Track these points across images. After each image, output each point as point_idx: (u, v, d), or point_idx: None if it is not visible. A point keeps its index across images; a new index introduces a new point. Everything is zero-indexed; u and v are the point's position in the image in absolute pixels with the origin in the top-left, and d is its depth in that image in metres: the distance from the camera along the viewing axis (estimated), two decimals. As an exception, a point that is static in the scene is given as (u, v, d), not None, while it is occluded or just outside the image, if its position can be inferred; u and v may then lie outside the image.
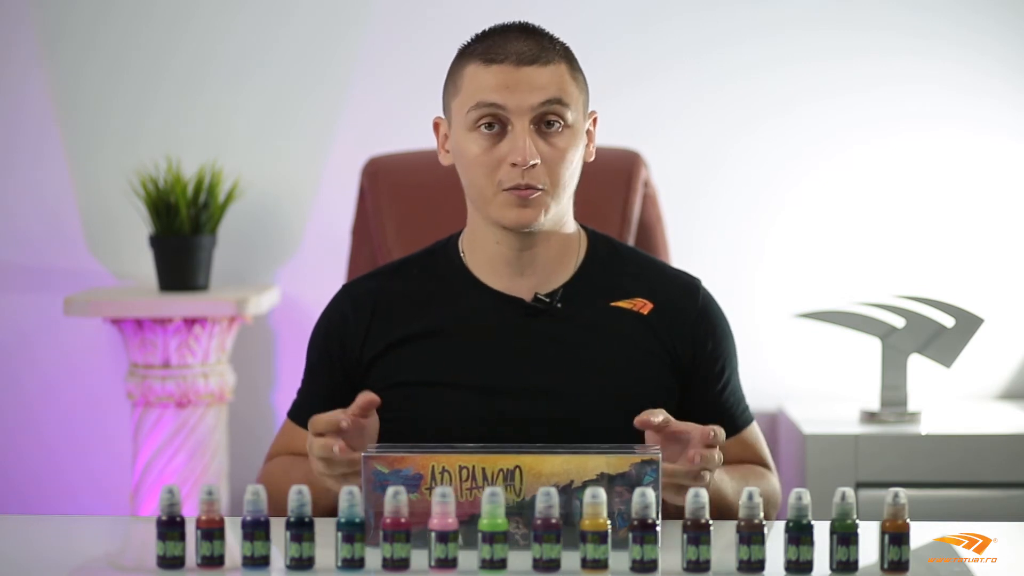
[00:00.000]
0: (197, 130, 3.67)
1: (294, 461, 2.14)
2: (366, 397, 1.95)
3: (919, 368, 3.51)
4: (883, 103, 3.62)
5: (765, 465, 2.20)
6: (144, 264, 3.65)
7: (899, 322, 3.36)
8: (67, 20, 3.67)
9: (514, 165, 2.04)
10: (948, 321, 3.34)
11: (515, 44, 2.06)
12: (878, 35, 3.62)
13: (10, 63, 3.67)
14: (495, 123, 2.05)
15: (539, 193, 2.06)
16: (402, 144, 3.20)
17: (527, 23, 2.11)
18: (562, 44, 2.11)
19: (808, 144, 3.64)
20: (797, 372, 3.66)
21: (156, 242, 3.48)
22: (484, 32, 2.11)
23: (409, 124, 3.55)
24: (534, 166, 2.04)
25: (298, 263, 3.69)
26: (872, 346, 3.53)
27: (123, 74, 3.68)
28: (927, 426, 3.33)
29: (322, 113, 3.67)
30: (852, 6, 3.62)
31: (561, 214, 2.12)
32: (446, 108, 2.13)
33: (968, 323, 3.33)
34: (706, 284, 2.24)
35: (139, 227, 3.63)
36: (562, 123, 2.06)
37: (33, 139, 3.68)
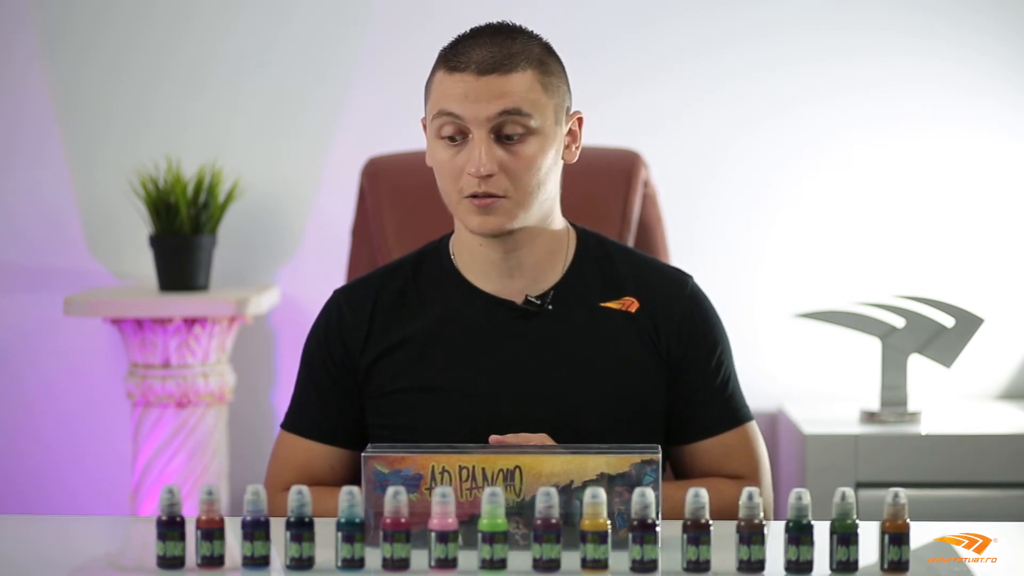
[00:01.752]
0: (197, 130, 3.67)
1: (319, 495, 2.00)
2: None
3: (919, 368, 3.51)
4: (883, 103, 3.62)
5: (751, 471, 2.15)
6: (144, 264, 3.65)
7: (899, 322, 3.36)
8: (67, 20, 3.67)
9: (471, 174, 2.04)
10: (948, 321, 3.34)
11: (479, 51, 2.05)
12: (878, 35, 3.62)
13: (10, 63, 3.67)
14: (456, 132, 2.05)
15: (500, 200, 2.05)
16: (402, 144, 3.21)
17: (504, 24, 2.09)
18: (539, 46, 2.08)
19: (808, 144, 3.64)
20: (797, 372, 3.66)
21: (156, 242, 3.48)
22: (458, 36, 2.09)
23: (409, 124, 3.51)
24: (490, 176, 2.04)
25: (298, 263, 3.69)
26: (872, 346, 3.53)
27: (123, 74, 3.68)
28: (927, 426, 3.33)
29: (322, 113, 3.67)
30: (852, 6, 3.62)
31: (543, 215, 2.11)
32: (425, 112, 2.14)
33: (968, 323, 3.33)
34: (706, 284, 2.24)
35: (139, 227, 3.63)
36: (525, 131, 2.05)
37: (33, 139, 3.68)
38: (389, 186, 2.88)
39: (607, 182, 2.82)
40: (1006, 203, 3.63)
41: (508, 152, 2.04)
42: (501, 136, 2.05)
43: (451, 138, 2.06)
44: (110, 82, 3.68)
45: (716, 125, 3.64)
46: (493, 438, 2.00)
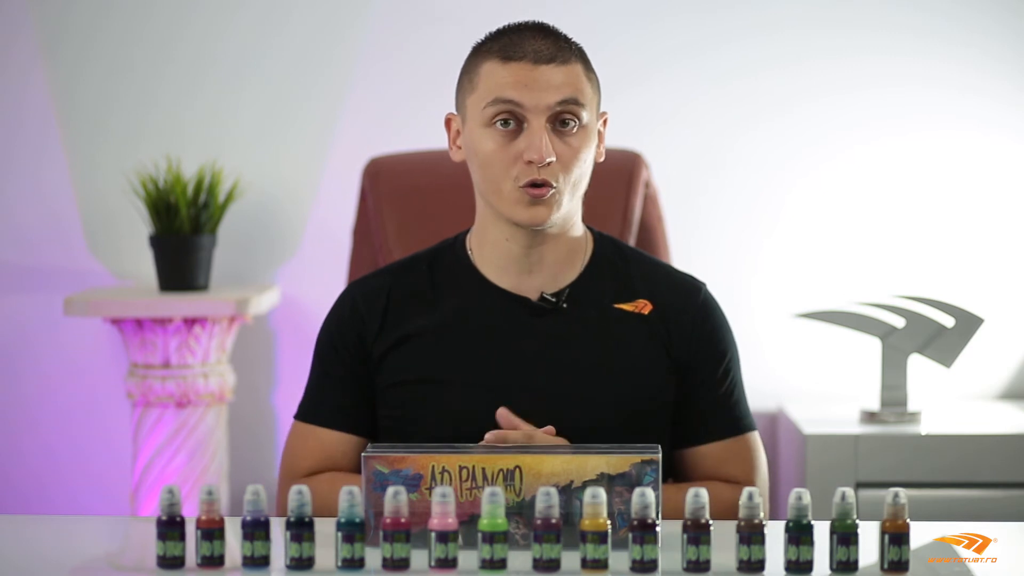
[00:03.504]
0: (197, 130, 3.67)
1: (341, 479, 2.09)
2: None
3: (919, 368, 3.51)
4: (883, 103, 3.62)
5: (748, 478, 2.15)
6: (144, 264, 3.65)
7: (899, 322, 3.36)
8: (67, 20, 3.67)
9: (530, 162, 2.05)
10: (948, 321, 3.34)
11: (532, 43, 2.07)
12: (878, 35, 3.62)
13: (10, 63, 3.67)
14: (511, 120, 2.06)
15: (552, 191, 2.06)
16: (402, 145, 3.20)
17: (543, 23, 2.12)
18: (577, 44, 2.12)
19: (808, 144, 3.64)
20: (797, 372, 3.66)
21: (156, 242, 3.48)
22: (500, 30, 2.12)
23: (409, 124, 3.55)
24: (550, 163, 2.05)
25: (298, 263, 3.69)
26: (872, 346, 3.53)
27: (123, 74, 3.68)
28: (927, 426, 3.33)
29: (322, 113, 3.66)
30: (852, 6, 3.62)
31: (571, 215, 2.13)
32: (460, 105, 2.14)
33: (968, 323, 3.33)
34: (707, 284, 2.24)
35: (139, 227, 3.63)
36: (577, 123, 2.07)
37: (33, 139, 3.68)
38: (390, 186, 2.88)
39: (608, 182, 2.82)
40: (1006, 203, 3.63)
41: (562, 142, 2.07)
42: (556, 126, 2.06)
43: (505, 122, 2.06)
44: (110, 82, 3.68)
45: (716, 125, 3.64)
46: (501, 410, 2.03)
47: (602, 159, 2.15)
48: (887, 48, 3.62)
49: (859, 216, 3.64)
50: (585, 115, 2.08)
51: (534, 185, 2.05)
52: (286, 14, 3.66)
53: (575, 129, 2.07)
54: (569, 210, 2.11)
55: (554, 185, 2.06)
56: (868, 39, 3.62)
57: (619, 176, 2.84)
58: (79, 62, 3.68)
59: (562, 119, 2.06)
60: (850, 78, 3.62)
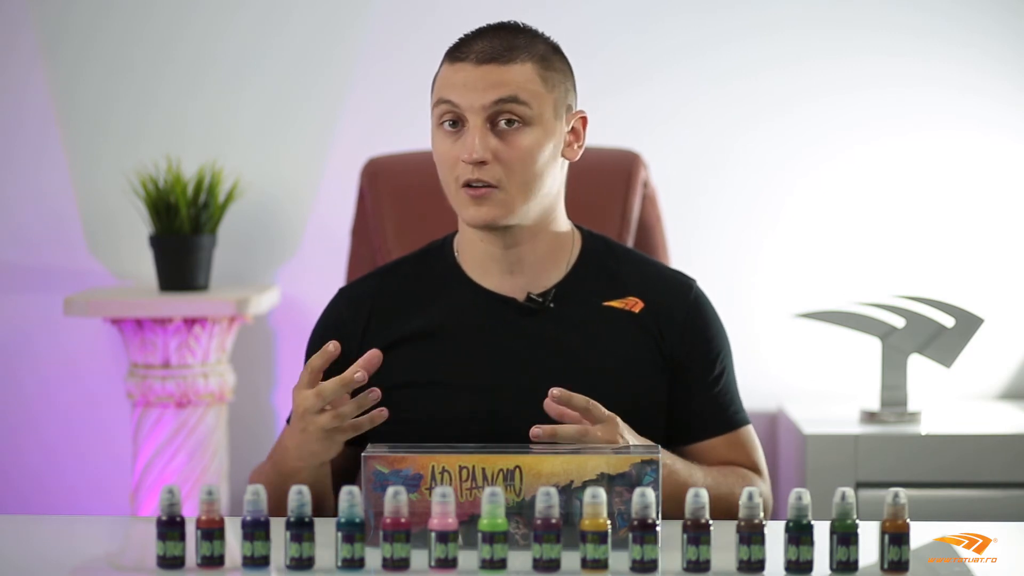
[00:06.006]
0: (197, 130, 3.67)
1: (265, 462, 2.14)
2: (372, 352, 1.95)
3: (919, 368, 3.51)
4: (883, 103, 3.62)
5: (755, 469, 2.18)
6: (144, 264, 3.65)
7: (899, 322, 3.36)
8: (67, 20, 3.67)
9: (464, 161, 2.06)
10: (948, 321, 3.34)
11: (481, 43, 2.08)
12: (878, 35, 3.62)
13: (10, 63, 3.67)
14: (455, 120, 2.08)
15: (493, 191, 2.06)
16: (402, 145, 3.20)
17: (509, 22, 2.12)
18: (544, 44, 2.11)
19: (808, 144, 3.64)
20: (797, 372, 3.66)
21: (156, 242, 3.48)
22: (467, 33, 2.13)
23: (409, 124, 3.54)
24: (483, 163, 2.05)
25: (298, 263, 3.69)
26: (872, 346, 3.53)
27: (123, 74, 3.68)
28: (927, 426, 3.33)
29: (322, 113, 3.67)
30: (852, 6, 3.62)
31: (543, 212, 2.12)
32: None
33: (968, 323, 3.33)
34: (706, 284, 2.25)
35: (139, 227, 3.63)
36: (520, 122, 2.07)
37: (33, 139, 3.68)
38: (389, 186, 2.88)
39: (607, 182, 2.82)
40: (1006, 203, 3.63)
41: (503, 141, 2.07)
42: (498, 125, 2.06)
43: (452, 123, 2.08)
44: (110, 82, 3.68)
45: (716, 125, 3.64)
46: (535, 430, 1.95)
47: (576, 158, 2.14)
48: (887, 48, 3.62)
49: (859, 216, 3.64)
50: (531, 112, 2.06)
51: (469, 185, 2.06)
52: (286, 14, 3.66)
53: (518, 128, 2.07)
54: (537, 210, 2.10)
55: (493, 185, 2.06)
56: (868, 39, 3.62)
57: (618, 176, 2.84)
58: (79, 62, 3.68)
59: (503, 118, 2.07)
60: (850, 78, 3.62)
